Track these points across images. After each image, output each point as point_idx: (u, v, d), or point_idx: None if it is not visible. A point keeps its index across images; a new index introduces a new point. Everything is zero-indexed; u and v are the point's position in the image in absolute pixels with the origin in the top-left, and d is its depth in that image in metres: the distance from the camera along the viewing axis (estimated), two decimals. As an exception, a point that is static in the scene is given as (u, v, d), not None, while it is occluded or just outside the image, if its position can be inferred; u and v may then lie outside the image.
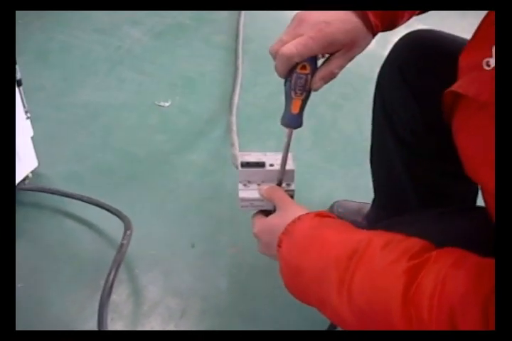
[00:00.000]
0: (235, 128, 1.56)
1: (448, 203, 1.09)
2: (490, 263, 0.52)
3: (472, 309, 0.50)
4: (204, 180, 1.49)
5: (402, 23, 0.76)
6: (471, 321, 0.50)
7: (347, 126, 1.74)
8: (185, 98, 1.77)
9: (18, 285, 1.22)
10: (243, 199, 0.83)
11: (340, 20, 0.70)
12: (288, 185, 0.84)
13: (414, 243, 0.60)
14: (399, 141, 1.06)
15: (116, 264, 1.19)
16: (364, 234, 0.64)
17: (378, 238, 0.61)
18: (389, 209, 1.21)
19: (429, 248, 0.59)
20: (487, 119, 0.56)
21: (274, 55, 0.71)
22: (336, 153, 1.64)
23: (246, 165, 0.83)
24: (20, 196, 1.37)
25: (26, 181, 1.38)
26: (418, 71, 0.96)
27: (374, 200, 1.29)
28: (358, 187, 1.49)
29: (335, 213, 1.37)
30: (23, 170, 1.34)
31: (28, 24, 1.99)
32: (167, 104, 1.72)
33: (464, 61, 0.68)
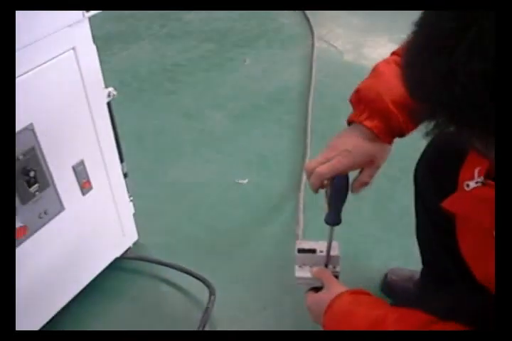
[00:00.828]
0: (301, 206, 1.80)
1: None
2: None
3: None
4: (277, 250, 1.70)
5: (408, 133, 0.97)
6: None
7: (404, 198, 1.92)
8: (260, 175, 2.01)
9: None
10: (299, 278, 1.06)
11: (358, 146, 0.95)
12: (334, 267, 1.07)
13: (421, 318, 0.81)
14: (435, 226, 1.25)
15: (203, 324, 1.44)
16: (383, 310, 0.85)
17: (392, 313, 0.83)
18: (433, 278, 1.40)
19: (433, 321, 0.80)
20: (469, 231, 0.78)
21: (310, 172, 0.96)
22: (394, 224, 1.79)
23: (302, 251, 1.08)
24: (123, 264, 1.64)
25: (128, 251, 1.65)
26: (445, 172, 1.13)
27: (422, 269, 1.47)
28: (413, 256, 1.64)
29: (388, 280, 1.55)
30: (126, 242, 1.62)
31: (124, 110, 2.32)
32: (245, 182, 1.98)
33: (460, 177, 0.90)
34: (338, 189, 0.97)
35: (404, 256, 1.68)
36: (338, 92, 2.41)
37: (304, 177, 1.94)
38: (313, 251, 1.07)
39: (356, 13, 3.19)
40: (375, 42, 2.89)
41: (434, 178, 1.16)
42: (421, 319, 0.81)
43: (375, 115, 0.94)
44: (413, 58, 0.58)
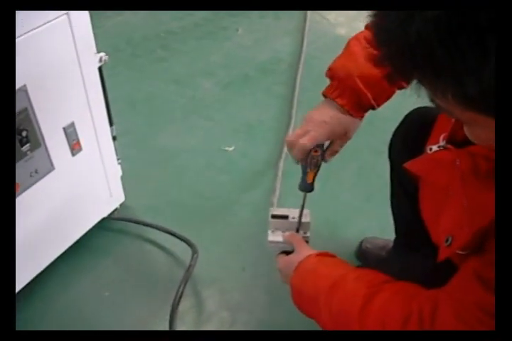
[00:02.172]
0: (280, 174, 1.87)
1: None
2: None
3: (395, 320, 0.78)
4: (257, 215, 1.77)
5: (379, 107, 1.05)
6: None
7: (385, 170, 1.98)
8: (246, 143, 2.07)
9: (106, 293, 1.55)
10: (271, 242, 1.14)
11: (334, 118, 1.03)
12: (304, 232, 1.14)
13: (377, 277, 0.89)
14: (406, 194, 1.32)
15: (184, 281, 1.51)
16: (345, 270, 0.93)
17: (353, 273, 0.90)
18: (404, 245, 1.47)
19: (387, 281, 0.88)
20: (428, 193, 0.84)
21: (291, 144, 1.03)
22: (373, 194, 1.86)
23: (275, 217, 1.15)
24: (110, 224, 1.71)
25: (115, 212, 1.72)
26: (416, 142, 1.22)
27: (395, 239, 1.55)
28: (389, 226, 1.71)
29: (363, 248, 1.63)
30: (113, 203, 1.69)
31: (117, 75, 2.36)
32: (231, 149, 2.04)
33: (427, 143, 0.96)
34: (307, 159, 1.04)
35: (380, 226, 1.75)
36: (327, 65, 2.45)
37: (285, 147, 2.01)
38: (285, 217, 1.15)
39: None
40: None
41: (406, 149, 1.22)
42: (377, 278, 0.89)
43: (346, 92, 1.02)
44: (379, 12, 0.63)
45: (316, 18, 2.91)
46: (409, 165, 0.91)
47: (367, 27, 1.04)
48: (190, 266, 1.56)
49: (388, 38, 0.60)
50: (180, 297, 1.49)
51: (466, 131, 0.70)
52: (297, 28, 2.82)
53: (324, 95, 1.07)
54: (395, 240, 1.53)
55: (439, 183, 0.86)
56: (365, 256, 1.63)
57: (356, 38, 1.06)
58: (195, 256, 1.58)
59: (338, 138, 1.06)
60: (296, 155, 1.04)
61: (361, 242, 1.66)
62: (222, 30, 2.81)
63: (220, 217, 1.79)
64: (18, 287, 1.45)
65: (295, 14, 2.95)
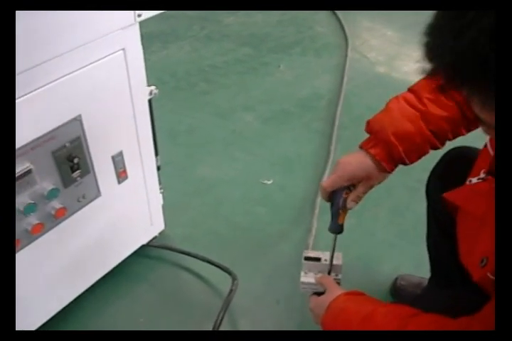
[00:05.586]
0: (317, 211, 1.89)
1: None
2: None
3: None
4: (293, 250, 1.78)
5: (412, 163, 1.09)
6: None
7: (420, 208, 1.99)
8: (284, 177, 2.11)
9: (140, 319, 1.58)
10: (303, 283, 1.18)
11: (359, 162, 1.07)
12: (336, 275, 1.18)
13: (406, 310, 0.91)
14: (443, 234, 1.33)
15: (224, 308, 1.54)
16: (373, 305, 0.95)
17: (382, 307, 0.93)
18: (437, 282, 1.47)
19: (416, 314, 0.89)
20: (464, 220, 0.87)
21: (319, 186, 1.12)
22: (408, 231, 1.86)
23: (308, 258, 1.19)
24: (148, 251, 1.75)
25: (154, 240, 1.76)
26: (455, 180, 1.16)
27: (430, 277, 1.55)
28: (423, 264, 1.70)
29: (397, 285, 1.63)
30: (153, 231, 1.73)
31: (160, 107, 2.42)
32: (269, 182, 2.07)
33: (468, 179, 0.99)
34: (336, 201, 1.09)
35: (414, 263, 1.74)
36: (367, 103, 2.50)
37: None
38: (318, 259, 1.19)
39: (391, 25, 3.26)
40: (407, 56, 2.96)
41: (444, 187, 1.24)
42: (406, 311, 0.91)
43: (379, 144, 1.06)
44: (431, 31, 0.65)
45: (356, 56, 2.97)
46: (447, 194, 0.94)
47: (409, 89, 1.10)
48: (231, 291, 1.60)
49: (441, 51, 0.62)
50: (220, 323, 1.51)
51: None
52: (337, 66, 2.88)
53: (360, 147, 1.11)
54: (430, 279, 1.52)
55: (476, 213, 0.88)
56: (400, 293, 1.63)
57: (396, 97, 1.10)
58: (235, 282, 1.62)
59: (361, 183, 1.09)
60: (322, 196, 1.12)
61: (396, 279, 1.66)
62: (264, 66, 2.88)
63: (256, 249, 1.81)
64: (56, 309, 1.50)
65: (335, 52, 3.01)
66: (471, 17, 0.57)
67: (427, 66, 0.66)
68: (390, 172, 1.09)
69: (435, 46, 0.63)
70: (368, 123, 1.10)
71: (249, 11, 3.40)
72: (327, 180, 1.09)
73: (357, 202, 1.09)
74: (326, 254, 1.19)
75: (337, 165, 1.09)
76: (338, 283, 1.15)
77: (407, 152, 1.05)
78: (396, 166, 1.09)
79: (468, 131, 1.08)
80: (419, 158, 1.08)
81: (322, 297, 1.09)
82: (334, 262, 1.17)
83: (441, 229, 1.33)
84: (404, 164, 1.09)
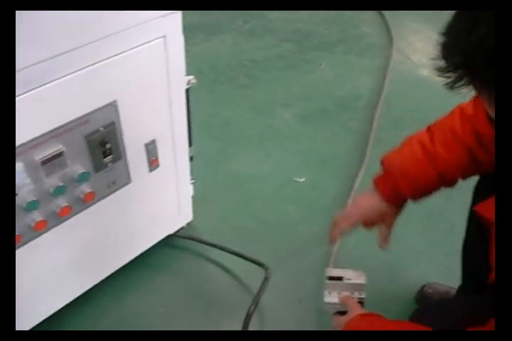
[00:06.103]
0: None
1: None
2: None
3: None
4: (320, 248, 1.77)
5: (417, 199, 1.17)
6: None
7: (454, 216, 1.94)
8: (317, 176, 2.08)
9: (160, 309, 1.58)
10: (327, 303, 1.21)
11: (372, 204, 1.17)
12: (359, 294, 1.20)
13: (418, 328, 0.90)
14: (482, 235, 1.29)
15: (256, 302, 1.54)
16: (384, 325, 0.98)
17: (391, 325, 0.95)
18: (469, 294, 1.43)
19: None
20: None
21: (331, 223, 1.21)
22: (439, 240, 1.83)
23: (331, 278, 1.21)
24: (174, 241, 1.75)
25: (181, 230, 1.76)
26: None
27: (459, 286, 1.50)
28: (451, 273, 1.62)
29: (424, 292, 1.60)
30: (181, 222, 1.73)
31: (198, 99, 2.42)
32: (302, 180, 2.05)
33: None
34: None
35: (443, 272, 1.71)
36: (407, 105, 2.46)
37: (357, 184, 2.00)
38: (340, 278, 1.21)
39: (438, 29, 3.19)
40: (452, 60, 2.88)
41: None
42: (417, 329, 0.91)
43: (387, 182, 1.15)
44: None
45: (399, 58, 2.91)
46: (478, 207, 0.93)
47: (428, 128, 1.15)
48: (265, 278, 1.61)
49: (452, 48, 0.67)
50: (251, 318, 1.52)
51: None
52: (379, 67, 2.83)
53: (373, 181, 1.20)
54: (459, 288, 1.49)
55: None
56: (425, 301, 1.59)
57: (411, 137, 1.16)
58: (268, 271, 1.63)
59: (381, 225, 1.20)
60: (331, 234, 1.21)
61: (423, 286, 1.63)
62: (306, 63, 2.85)
63: (282, 247, 1.79)
64: (77, 293, 1.51)
65: (378, 53, 2.96)
66: (481, 15, 0.61)
67: (441, 63, 0.71)
68: (398, 208, 1.18)
69: (448, 44, 0.69)
70: (381, 160, 1.18)
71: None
72: (341, 218, 1.20)
73: (386, 243, 1.20)
74: (348, 272, 1.22)
75: (351, 204, 1.21)
76: (362, 302, 1.18)
77: (413, 191, 1.14)
78: (401, 202, 1.18)
79: (481, 172, 1.15)
80: (426, 197, 1.16)
81: (344, 317, 1.13)
82: (357, 281, 1.20)
83: (480, 231, 1.29)
84: (413, 201, 1.17)
